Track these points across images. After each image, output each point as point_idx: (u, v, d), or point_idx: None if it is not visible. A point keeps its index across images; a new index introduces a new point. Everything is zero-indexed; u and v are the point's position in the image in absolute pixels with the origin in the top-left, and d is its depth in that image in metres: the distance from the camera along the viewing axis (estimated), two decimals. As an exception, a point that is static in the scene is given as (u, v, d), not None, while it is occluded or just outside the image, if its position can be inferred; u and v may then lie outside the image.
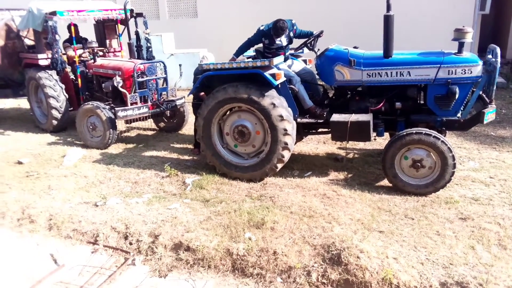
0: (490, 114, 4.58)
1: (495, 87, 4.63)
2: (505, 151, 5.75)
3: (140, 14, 7.96)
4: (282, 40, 5.43)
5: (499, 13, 13.50)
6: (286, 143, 4.83)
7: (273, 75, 4.74)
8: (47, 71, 7.38)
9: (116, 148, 6.67)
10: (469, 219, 3.96)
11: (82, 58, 7.66)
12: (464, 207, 4.23)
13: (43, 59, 7.50)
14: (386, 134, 5.39)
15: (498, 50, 4.46)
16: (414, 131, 4.44)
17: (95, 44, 7.65)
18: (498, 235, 3.68)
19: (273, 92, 4.82)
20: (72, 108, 7.67)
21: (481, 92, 4.68)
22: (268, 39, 5.43)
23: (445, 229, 3.81)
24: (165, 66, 7.05)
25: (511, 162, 5.34)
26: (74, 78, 7.65)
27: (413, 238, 3.70)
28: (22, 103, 9.94)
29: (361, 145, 6.21)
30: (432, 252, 3.47)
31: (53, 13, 7.03)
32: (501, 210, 4.14)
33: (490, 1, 10.08)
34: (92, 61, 7.41)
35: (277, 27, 5.22)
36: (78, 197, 4.86)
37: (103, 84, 7.17)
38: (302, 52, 5.87)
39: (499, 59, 4.43)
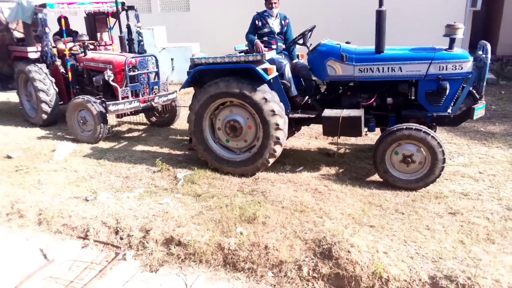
0: (480, 110, 4.61)
1: (485, 83, 4.66)
2: (494, 147, 5.81)
3: (131, 7, 7.89)
4: (274, 25, 5.48)
5: (490, 10, 13.60)
6: (278, 138, 4.83)
7: (265, 70, 4.73)
8: (36, 64, 7.29)
9: (107, 143, 6.62)
10: (458, 214, 4.01)
11: (72, 52, 7.57)
12: (453, 202, 4.27)
13: (33, 52, 7.41)
14: (377, 130, 5.42)
15: (489, 46, 4.49)
16: (405, 127, 4.47)
17: (85, 37, 7.56)
18: (487, 229, 3.73)
19: (265, 86, 4.81)
20: (62, 102, 7.60)
21: (471, 88, 4.71)
22: (260, 21, 5.51)
23: (435, 224, 3.85)
24: (156, 60, 7.00)
25: (500, 157, 5.40)
26: (64, 71, 7.57)
27: (403, 232, 3.73)
28: (11, 96, 9.81)
29: (352, 140, 6.24)
30: (422, 246, 3.51)
31: (43, 6, 6.94)
32: (490, 205, 4.19)
33: (481, -3, 10.15)
34: (83, 54, 7.34)
35: None
36: (68, 192, 4.82)
37: (93, 78, 7.10)
38: (294, 47, 5.86)
39: (489, 55, 4.45)
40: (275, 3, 5.47)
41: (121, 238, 3.97)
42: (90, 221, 4.17)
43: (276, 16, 5.57)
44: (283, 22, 5.59)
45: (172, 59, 7.24)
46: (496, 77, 9.86)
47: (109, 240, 3.99)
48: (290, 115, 5.09)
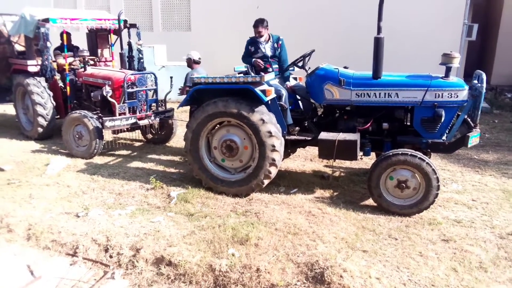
0: (474, 138, 4.66)
1: (480, 112, 4.72)
2: (487, 175, 5.83)
3: (133, 25, 7.99)
4: (266, 48, 5.56)
5: (485, 40, 13.90)
6: (273, 159, 4.83)
7: (264, 91, 4.77)
8: (35, 77, 7.32)
9: (101, 158, 6.59)
10: (451, 241, 3.99)
11: (72, 66, 7.62)
12: (446, 228, 4.26)
13: (33, 65, 7.45)
14: (373, 154, 5.43)
15: (484, 76, 4.57)
16: (400, 152, 4.49)
17: (86, 53, 7.63)
18: (480, 257, 3.71)
19: (263, 108, 4.84)
20: (59, 116, 7.59)
21: (466, 116, 4.77)
22: (253, 46, 5.61)
23: (428, 250, 3.83)
24: (155, 78, 7.05)
25: (493, 185, 5.42)
26: (63, 86, 7.60)
27: (396, 258, 3.70)
28: (7, 108, 9.79)
29: (347, 163, 6.24)
30: (415, 273, 3.48)
31: (46, 20, 7.01)
32: (483, 233, 4.18)
33: (476, 28, 10.37)
34: (82, 69, 7.38)
35: (257, 20, 5.54)
36: (60, 207, 4.77)
37: (92, 93, 7.12)
38: (293, 70, 5.94)
39: (484, 85, 4.53)
40: (260, 32, 5.56)
41: (111, 256, 3.90)
42: (80, 238, 4.11)
43: (268, 40, 5.64)
44: (275, 45, 5.65)
45: (171, 77, 7.29)
46: (490, 106, 9.98)
47: (99, 258, 3.92)
48: (287, 137, 5.11)
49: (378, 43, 4.70)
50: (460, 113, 4.77)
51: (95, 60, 8.16)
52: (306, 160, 6.58)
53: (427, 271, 3.51)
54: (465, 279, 3.41)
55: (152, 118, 6.77)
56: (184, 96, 5.80)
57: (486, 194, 5.13)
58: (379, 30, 4.68)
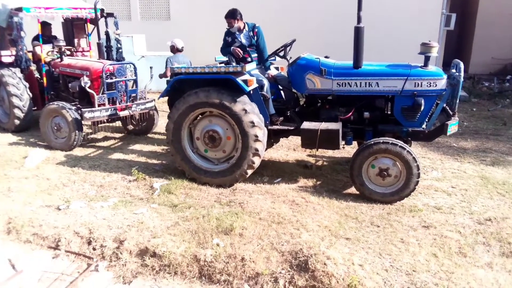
0: (453, 126, 4.76)
1: (458, 100, 4.81)
2: (466, 162, 5.98)
3: (110, 14, 7.80)
4: (243, 39, 5.53)
5: (463, 30, 14.14)
6: (256, 149, 4.84)
7: (245, 81, 4.75)
8: (10, 68, 7.10)
9: (81, 150, 6.47)
10: (431, 227, 4.09)
11: (48, 56, 7.41)
12: (427, 215, 4.36)
13: (7, 56, 7.22)
14: (354, 143, 5.50)
15: (462, 65, 4.65)
16: (381, 141, 4.55)
17: (62, 43, 7.43)
18: (459, 243, 3.82)
19: (245, 98, 4.82)
20: (36, 108, 7.40)
21: (445, 105, 4.86)
22: (230, 37, 5.55)
23: (409, 237, 3.91)
24: (135, 68, 6.91)
25: (472, 172, 5.56)
26: (39, 76, 7.40)
27: (378, 245, 3.78)
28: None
29: (330, 153, 6.31)
30: (396, 259, 3.55)
31: (19, 9, 6.77)
32: (462, 219, 4.29)
33: (454, 18, 10.53)
34: (59, 60, 7.19)
35: (227, 12, 5.45)
36: (40, 200, 4.67)
37: (69, 84, 6.96)
38: (274, 59, 5.92)
39: (462, 74, 4.61)
40: (230, 23, 5.49)
41: (94, 249, 3.86)
42: (61, 231, 4.04)
43: (243, 29, 5.59)
44: (251, 33, 5.60)
45: (151, 68, 7.18)
46: (468, 95, 10.20)
47: (81, 251, 3.87)
48: (269, 127, 5.11)
49: (358, 33, 4.72)
50: (439, 102, 4.85)
51: (72, 50, 7.96)
52: (289, 149, 6.61)
53: (408, 257, 3.59)
54: (445, 264, 3.51)
55: (133, 109, 6.67)
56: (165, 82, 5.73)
57: (465, 181, 5.26)
58: (359, 19, 4.70)
